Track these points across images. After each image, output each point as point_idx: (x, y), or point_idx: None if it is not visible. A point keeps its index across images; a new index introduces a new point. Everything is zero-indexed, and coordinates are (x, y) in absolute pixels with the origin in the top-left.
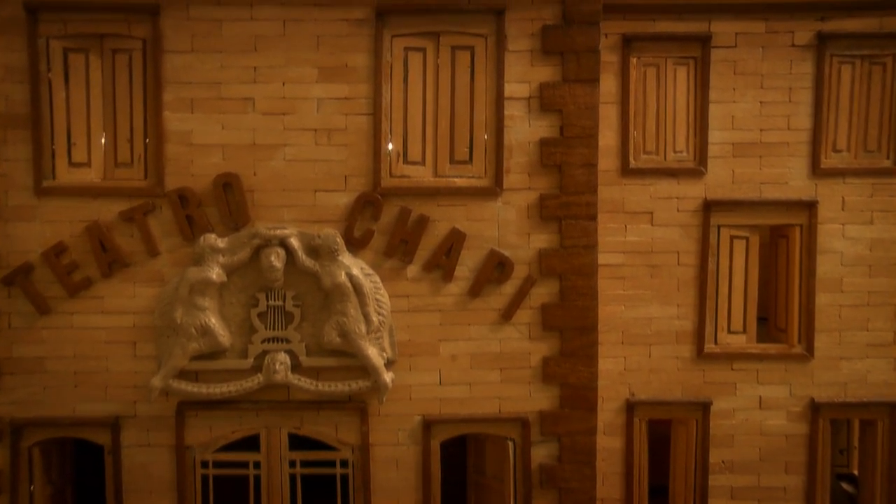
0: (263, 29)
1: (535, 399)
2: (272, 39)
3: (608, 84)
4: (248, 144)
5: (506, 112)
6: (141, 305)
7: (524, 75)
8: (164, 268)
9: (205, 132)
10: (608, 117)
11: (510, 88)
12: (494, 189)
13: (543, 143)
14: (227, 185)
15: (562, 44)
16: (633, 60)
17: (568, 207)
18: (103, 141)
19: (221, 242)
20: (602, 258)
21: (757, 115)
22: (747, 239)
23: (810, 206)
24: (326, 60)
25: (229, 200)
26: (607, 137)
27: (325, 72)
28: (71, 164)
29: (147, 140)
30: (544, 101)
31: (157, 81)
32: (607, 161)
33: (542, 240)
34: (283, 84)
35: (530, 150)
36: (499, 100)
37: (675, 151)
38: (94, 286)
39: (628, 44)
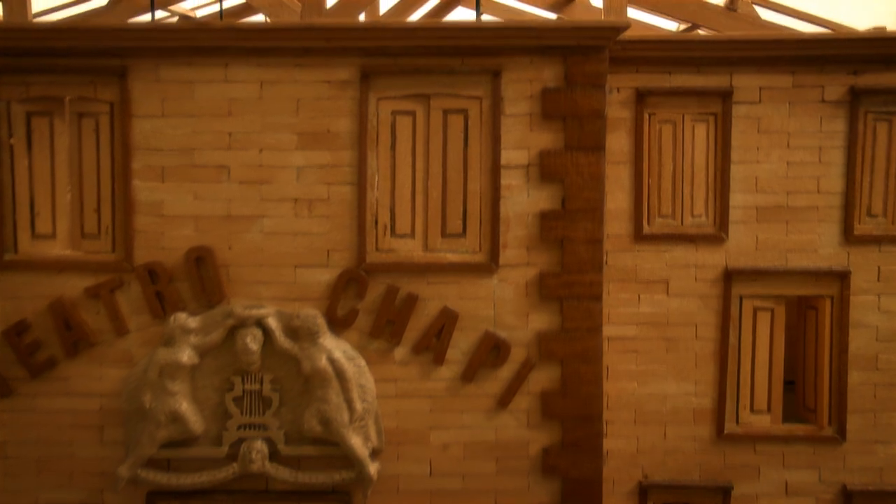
0: (239, 91)
1: (534, 493)
2: (248, 103)
3: (620, 142)
4: (223, 216)
5: (502, 181)
6: (108, 387)
7: (522, 141)
8: (133, 347)
9: (176, 202)
10: (620, 178)
11: (507, 156)
12: (490, 265)
13: (543, 216)
14: (200, 260)
15: (563, 108)
16: (648, 116)
17: (570, 287)
18: (69, 211)
19: (193, 322)
20: (613, 330)
21: (783, 177)
22: (772, 311)
23: (842, 277)
24: (307, 125)
25: (202, 276)
26: (619, 200)
27: (306, 137)
28: (34, 235)
29: (115, 210)
30: (544, 169)
31: (126, 148)
32: (619, 225)
33: (541, 321)
34: (261, 151)
35: (529, 223)
36: (495, 168)
37: (693, 215)
38: (58, 367)
39: (642, 99)
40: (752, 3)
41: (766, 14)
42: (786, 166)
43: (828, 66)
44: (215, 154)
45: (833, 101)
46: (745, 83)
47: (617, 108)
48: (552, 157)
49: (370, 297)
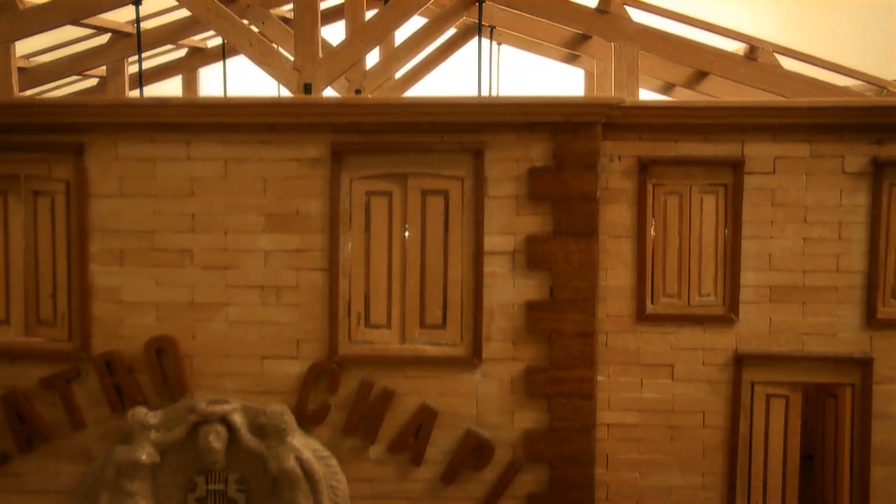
0: (202, 170)
1: None
2: (212, 182)
3: (622, 215)
4: (186, 303)
5: (486, 269)
6: (64, 484)
7: (508, 226)
8: (91, 441)
9: (136, 288)
10: (621, 253)
11: (491, 241)
12: (472, 359)
13: (530, 307)
14: (162, 350)
15: (552, 189)
16: (652, 187)
17: (559, 384)
18: (23, 295)
19: (153, 417)
20: (614, 417)
21: (799, 254)
22: (787, 398)
23: (864, 363)
24: (274, 206)
25: (164, 367)
26: (620, 277)
27: (274, 220)
28: None
29: (71, 296)
30: (531, 256)
31: (83, 229)
32: (620, 305)
33: (528, 420)
34: (225, 234)
35: (515, 315)
36: (477, 254)
37: (700, 295)
38: (11, 462)
39: (645, 168)
40: (774, 51)
41: (788, 63)
42: (802, 243)
43: (848, 134)
44: (177, 237)
45: (854, 172)
46: (758, 152)
47: (618, 178)
48: (540, 242)
49: (343, 391)
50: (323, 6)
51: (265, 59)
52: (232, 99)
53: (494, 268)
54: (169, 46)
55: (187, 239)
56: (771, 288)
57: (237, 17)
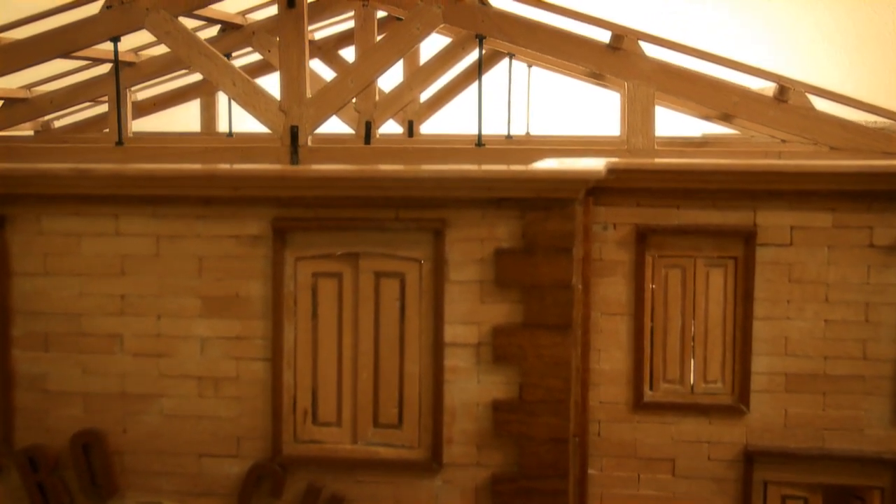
0: (132, 247)
1: None
2: (143, 260)
3: (617, 290)
4: (116, 393)
5: (447, 362)
6: None
7: (471, 315)
8: None
9: (62, 376)
10: (617, 333)
11: (453, 331)
12: (431, 464)
13: (497, 407)
14: (89, 445)
15: (521, 275)
16: (651, 259)
17: (529, 495)
18: None
19: None
20: None
21: (820, 338)
22: (805, 501)
23: (895, 465)
24: (212, 289)
25: (92, 464)
26: (615, 360)
27: (211, 303)
28: None
29: None
30: (498, 350)
31: (4, 312)
32: (615, 391)
33: None
34: (158, 318)
35: (479, 415)
36: (437, 346)
37: (706, 381)
38: None
39: (644, 238)
40: (807, 92)
41: (820, 104)
42: (823, 325)
43: (878, 203)
44: (106, 320)
45: (884, 246)
46: (773, 221)
47: (612, 249)
48: (507, 335)
49: (288, 495)
50: (338, 29)
51: (249, 100)
52: (161, 170)
53: (456, 362)
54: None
55: (117, 323)
56: (787, 376)
57: (220, 55)
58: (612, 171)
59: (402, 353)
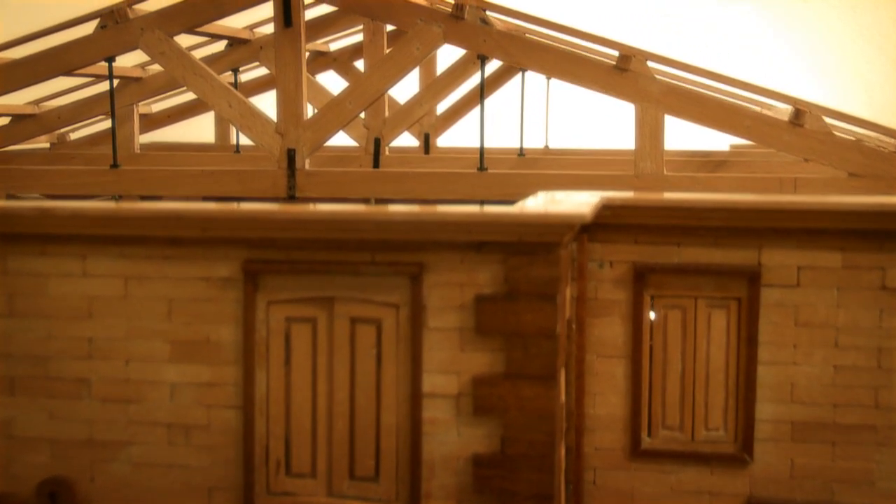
0: (99, 288)
1: None
2: (111, 302)
3: (613, 331)
4: (84, 440)
5: (425, 414)
6: None
7: (451, 364)
8: None
9: (29, 422)
10: (613, 377)
11: (431, 381)
12: None
13: (477, 462)
14: (56, 494)
15: (503, 322)
16: (650, 300)
17: None
18: None
19: None
20: None
21: (829, 385)
22: None
23: None
24: (181, 333)
25: None
26: (611, 404)
27: (181, 347)
28: None
29: None
30: (479, 401)
31: None
32: (611, 437)
33: None
34: (127, 362)
35: (459, 469)
36: (415, 396)
37: (707, 429)
38: None
39: (642, 277)
40: (824, 115)
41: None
42: (832, 371)
43: (890, 242)
44: (73, 364)
45: None
46: (779, 261)
47: (609, 288)
48: (489, 385)
49: None
50: (354, 40)
51: (245, 122)
52: (124, 210)
53: (435, 413)
54: None
55: (84, 367)
56: (793, 424)
57: (215, 76)
58: (607, 206)
59: (378, 402)
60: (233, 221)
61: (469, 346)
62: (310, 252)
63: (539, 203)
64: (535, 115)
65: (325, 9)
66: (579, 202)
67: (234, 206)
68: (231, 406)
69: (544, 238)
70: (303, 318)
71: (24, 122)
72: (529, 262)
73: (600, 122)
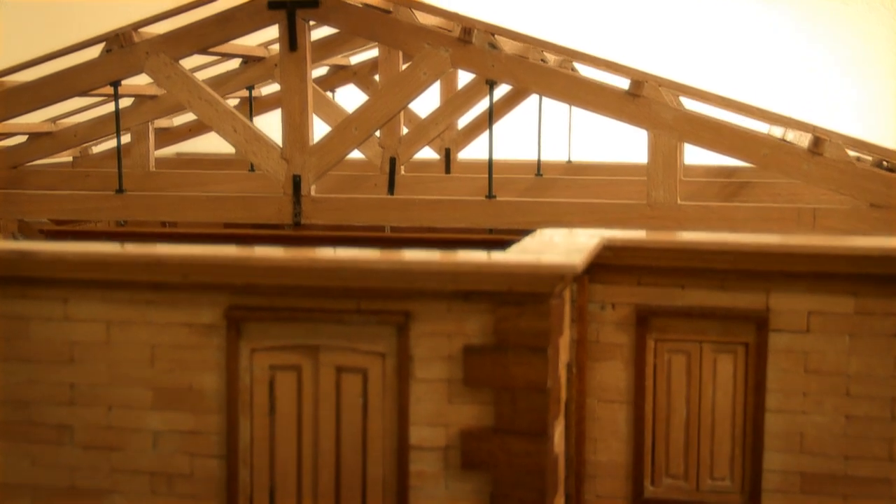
0: (82, 333)
1: None
2: (94, 347)
3: (615, 375)
4: (66, 488)
5: (412, 467)
6: None
7: (438, 416)
8: None
9: (10, 469)
10: (615, 423)
11: (419, 433)
12: None
13: None
14: None
15: (492, 375)
16: (653, 344)
17: None
18: None
19: None
20: None
21: (840, 435)
22: None
23: None
24: (164, 380)
25: None
26: (613, 451)
27: (164, 395)
28: None
29: None
30: (467, 454)
31: None
32: (612, 485)
33: None
34: (110, 409)
35: None
36: (402, 449)
37: (713, 478)
38: None
39: (645, 320)
40: (845, 144)
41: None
42: (844, 421)
43: None
44: (55, 410)
45: None
46: (788, 305)
47: (611, 331)
48: (477, 439)
49: None
50: (362, 57)
51: (250, 147)
52: (103, 253)
53: (422, 466)
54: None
55: (66, 413)
56: (802, 475)
57: (220, 100)
58: (609, 248)
59: (364, 454)
60: (214, 267)
61: (457, 398)
62: (294, 299)
63: (533, 247)
64: (558, 123)
65: None
66: (575, 248)
67: (216, 250)
68: (214, 455)
69: (534, 288)
70: (287, 367)
71: (42, 140)
72: (519, 313)
73: (623, 128)
